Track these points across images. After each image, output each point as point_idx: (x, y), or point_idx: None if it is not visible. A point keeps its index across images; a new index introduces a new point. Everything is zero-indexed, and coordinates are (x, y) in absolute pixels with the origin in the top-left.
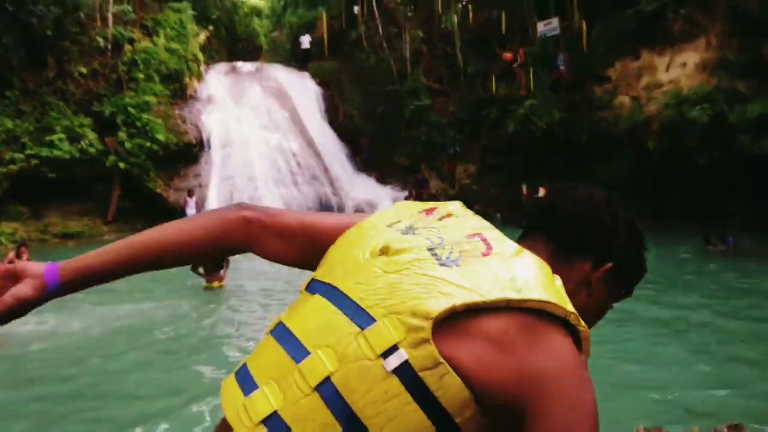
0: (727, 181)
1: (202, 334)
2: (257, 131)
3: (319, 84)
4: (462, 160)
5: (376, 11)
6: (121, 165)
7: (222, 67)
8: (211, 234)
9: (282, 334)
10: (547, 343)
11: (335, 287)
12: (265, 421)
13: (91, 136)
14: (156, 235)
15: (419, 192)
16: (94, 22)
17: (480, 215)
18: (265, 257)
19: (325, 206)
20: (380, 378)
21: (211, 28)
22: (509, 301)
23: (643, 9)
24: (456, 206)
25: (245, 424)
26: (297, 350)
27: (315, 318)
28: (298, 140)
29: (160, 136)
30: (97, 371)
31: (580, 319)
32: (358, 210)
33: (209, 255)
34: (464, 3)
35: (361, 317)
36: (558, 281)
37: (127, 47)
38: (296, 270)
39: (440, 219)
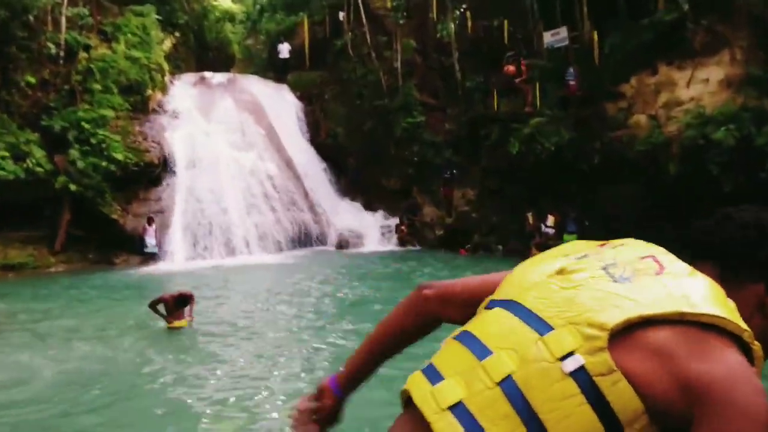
0: None
1: (164, 378)
2: (228, 150)
3: (300, 98)
4: (459, 184)
5: (363, 17)
6: (72, 187)
7: (189, 77)
8: (411, 317)
9: (465, 337)
10: (718, 353)
11: (514, 301)
12: (452, 408)
13: (39, 154)
14: (383, 330)
15: (411, 219)
16: (44, 26)
17: (478, 247)
18: (448, 322)
19: (304, 235)
20: (558, 378)
21: (177, 34)
22: (683, 314)
23: (660, 19)
24: (630, 239)
25: (432, 407)
26: (481, 350)
27: (496, 325)
28: (274, 160)
29: (118, 155)
30: (48, 418)
31: (754, 339)
32: (342, 239)
33: (420, 332)
34: (462, 10)
35: (540, 325)
36: (731, 303)
37: (82, 55)
38: (262, 308)
39: (614, 248)
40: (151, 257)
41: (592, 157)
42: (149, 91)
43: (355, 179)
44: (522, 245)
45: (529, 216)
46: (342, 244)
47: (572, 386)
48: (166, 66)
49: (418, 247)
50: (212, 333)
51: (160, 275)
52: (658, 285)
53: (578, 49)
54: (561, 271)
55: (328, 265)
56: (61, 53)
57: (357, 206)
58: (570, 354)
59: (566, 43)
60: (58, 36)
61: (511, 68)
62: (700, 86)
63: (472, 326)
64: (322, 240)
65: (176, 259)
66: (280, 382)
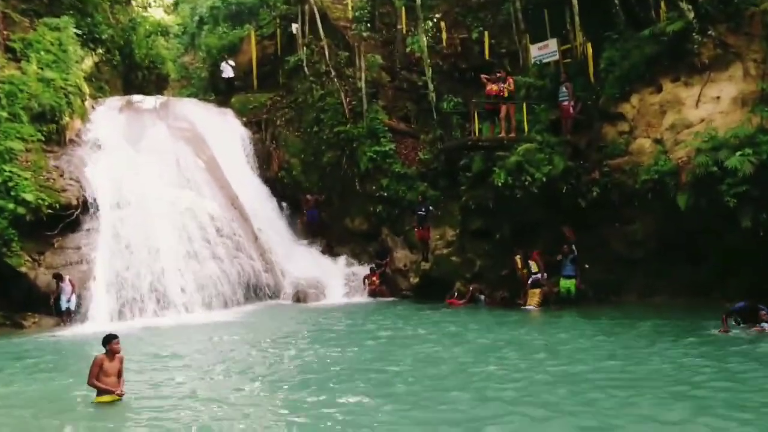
0: None
1: None
2: (162, 187)
3: (247, 124)
4: (437, 224)
5: (321, 30)
6: None
7: (115, 101)
8: None
9: None
10: None
11: None
12: None
13: None
14: None
15: (380, 265)
16: None
17: (460, 296)
18: None
19: (254, 287)
20: None
21: (100, 50)
22: None
23: (663, 30)
24: None
25: None
26: None
27: None
28: (217, 198)
29: (28, 196)
30: None
31: None
32: (300, 291)
33: None
34: (435, 20)
35: None
36: None
37: None
38: (202, 378)
39: None
40: (68, 318)
41: (589, 189)
42: (66, 119)
43: (314, 220)
44: (511, 293)
45: (518, 259)
46: (299, 297)
47: None
48: (86, 88)
49: (390, 298)
50: (143, 409)
51: (80, 339)
52: None
53: (570, 64)
54: None
55: (283, 322)
56: None
57: (316, 251)
58: None
59: (556, 57)
60: None
61: (494, 87)
62: (710, 105)
63: None
64: (275, 292)
65: (99, 320)
66: None
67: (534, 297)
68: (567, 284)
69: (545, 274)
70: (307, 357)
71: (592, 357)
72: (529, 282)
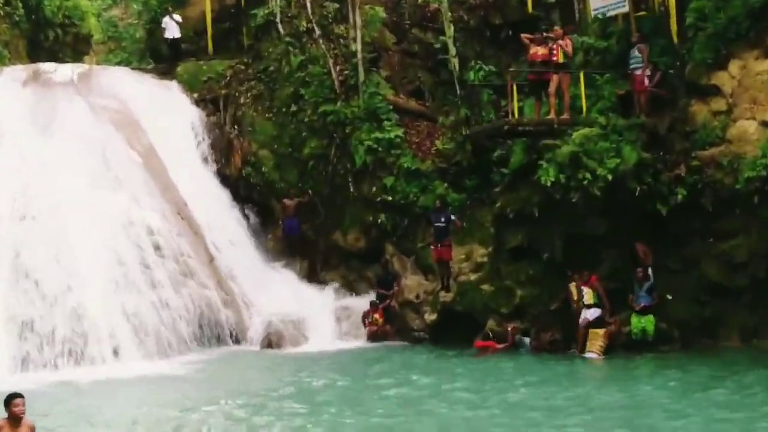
0: None
1: None
2: (82, 189)
3: (199, 102)
4: (461, 239)
5: None
6: None
7: (17, 72)
8: None
9: None
10: None
11: None
12: None
13: None
14: None
15: (383, 297)
16: None
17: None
18: None
19: (209, 326)
20: None
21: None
22: None
23: None
24: None
25: None
26: None
27: None
28: (158, 205)
29: None
30: None
31: None
32: (272, 332)
33: None
34: None
35: None
36: None
37: None
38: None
39: None
40: None
41: (672, 191)
42: None
43: (293, 233)
44: (564, 335)
45: (573, 288)
46: (272, 341)
47: None
48: None
49: (398, 342)
50: None
51: None
52: None
53: (645, 18)
54: None
55: (247, 378)
56: None
57: (295, 277)
58: None
59: (626, 8)
60: None
61: (540, 51)
62: None
63: None
64: (239, 334)
65: None
66: None
67: (596, 340)
68: (642, 322)
69: (607, 307)
70: None
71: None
72: (586, 318)
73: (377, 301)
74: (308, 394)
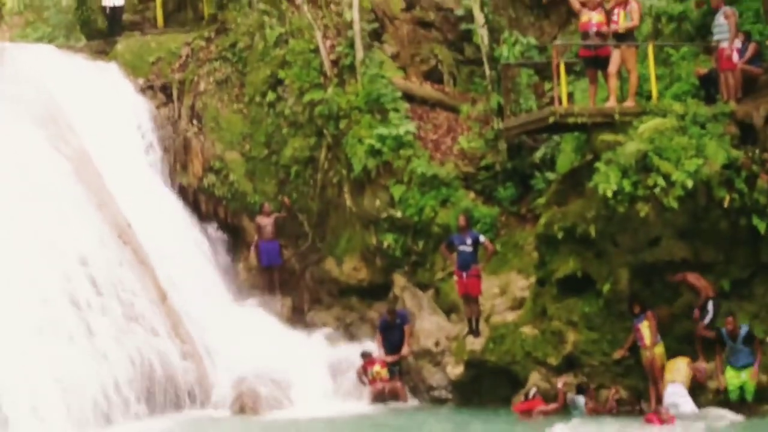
0: None
1: None
2: None
3: (146, 90)
4: (494, 267)
5: None
6: None
7: None
8: None
9: None
10: None
11: None
12: None
13: None
14: None
15: (393, 341)
16: None
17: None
18: None
19: (162, 387)
20: None
21: None
22: None
23: None
24: None
25: None
26: None
27: None
28: (93, 227)
29: None
30: None
31: None
32: (245, 393)
33: None
34: None
35: None
36: None
37: None
38: None
39: None
40: None
41: None
42: None
43: (271, 260)
44: (634, 392)
45: (645, 329)
46: (244, 405)
47: None
48: None
49: (411, 403)
50: None
51: None
52: None
53: None
54: None
55: None
56: None
57: (274, 319)
58: None
59: None
60: None
61: (595, 17)
62: None
63: None
64: (200, 395)
65: None
66: None
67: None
68: (740, 378)
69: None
70: None
71: None
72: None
73: (368, 353)
74: None
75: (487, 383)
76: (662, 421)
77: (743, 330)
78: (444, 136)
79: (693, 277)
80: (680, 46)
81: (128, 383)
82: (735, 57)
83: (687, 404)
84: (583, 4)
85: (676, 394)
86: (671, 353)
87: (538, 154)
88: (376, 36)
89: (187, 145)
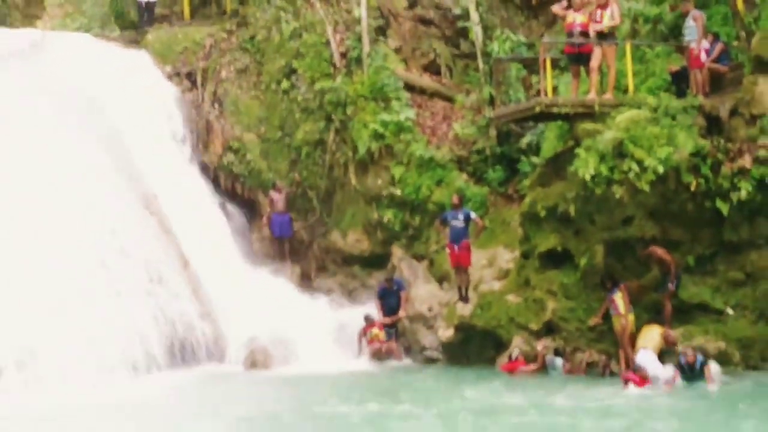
0: None
1: None
2: (23, 180)
3: (174, 77)
4: (483, 241)
5: None
6: None
7: None
8: None
9: None
10: None
11: None
12: None
13: None
14: None
15: (391, 306)
16: None
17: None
18: None
19: (181, 344)
20: None
21: None
22: None
23: None
24: None
25: None
26: None
27: None
28: (122, 199)
29: None
30: None
31: None
32: (256, 350)
33: None
34: None
35: None
36: None
37: None
38: None
39: None
40: None
41: (735, 186)
42: None
43: (283, 232)
44: (605, 351)
45: (618, 298)
46: (256, 361)
47: None
48: None
49: (406, 362)
50: None
51: None
52: None
53: None
54: None
55: (223, 408)
56: None
57: (284, 285)
58: None
59: None
60: None
61: (579, 18)
62: None
63: None
64: (217, 352)
65: None
66: None
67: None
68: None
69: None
70: None
71: None
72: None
73: (371, 318)
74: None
75: (474, 345)
76: (643, 380)
77: (699, 360)
78: (440, 122)
79: (661, 251)
80: (655, 46)
81: (152, 339)
82: (703, 56)
83: (657, 368)
84: (568, 7)
85: (646, 358)
86: (640, 322)
87: (525, 141)
88: (381, 31)
89: (209, 127)
